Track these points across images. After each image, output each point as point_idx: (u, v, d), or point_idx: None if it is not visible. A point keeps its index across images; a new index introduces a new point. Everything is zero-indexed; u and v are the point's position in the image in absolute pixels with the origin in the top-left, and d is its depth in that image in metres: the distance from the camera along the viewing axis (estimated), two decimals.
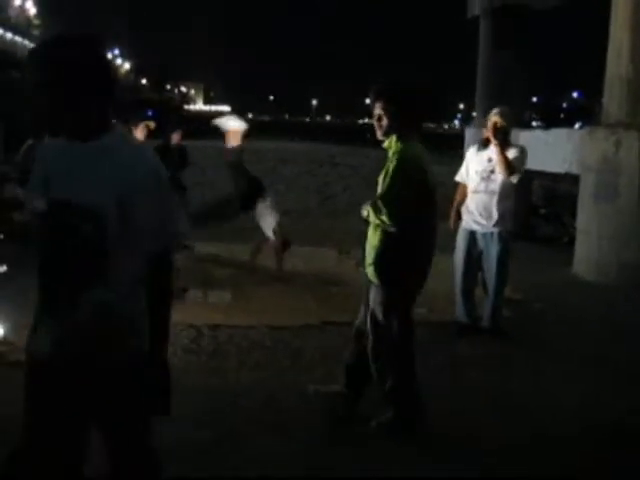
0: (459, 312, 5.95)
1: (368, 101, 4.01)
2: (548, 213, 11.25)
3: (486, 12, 13.15)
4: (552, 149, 10.45)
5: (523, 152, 5.78)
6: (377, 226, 3.84)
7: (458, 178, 6.06)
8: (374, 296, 3.93)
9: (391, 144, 3.84)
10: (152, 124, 7.31)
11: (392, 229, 3.74)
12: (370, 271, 3.89)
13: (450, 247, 6.04)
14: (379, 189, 3.87)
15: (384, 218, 3.75)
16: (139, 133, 7.20)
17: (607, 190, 8.22)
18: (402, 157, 3.77)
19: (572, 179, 9.77)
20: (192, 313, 6.17)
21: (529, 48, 13.63)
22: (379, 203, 3.76)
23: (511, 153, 5.70)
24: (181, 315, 6.06)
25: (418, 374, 4.12)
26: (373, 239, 3.87)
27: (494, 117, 5.76)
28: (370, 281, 3.95)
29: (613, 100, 8.52)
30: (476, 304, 5.97)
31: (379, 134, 3.90)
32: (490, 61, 13.02)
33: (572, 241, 9.11)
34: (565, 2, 12.33)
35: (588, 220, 8.56)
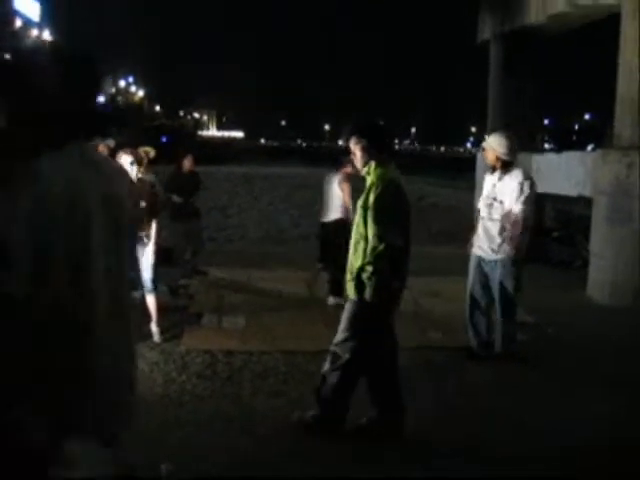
0: (470, 336, 5.94)
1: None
2: (561, 236, 11.22)
3: (496, 37, 13.26)
4: (565, 172, 10.46)
5: (524, 183, 5.63)
6: (358, 245, 4.14)
7: (479, 204, 6.07)
8: (350, 308, 4.20)
9: (370, 171, 4.22)
10: (152, 152, 7.21)
11: (381, 246, 3.99)
12: (350, 287, 4.17)
13: (466, 272, 6.06)
14: (359, 212, 4.17)
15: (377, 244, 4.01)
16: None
17: (620, 213, 8.21)
18: (384, 179, 4.13)
19: (585, 202, 9.76)
20: (207, 339, 6.21)
21: (540, 71, 13.70)
22: (374, 227, 4.04)
23: (513, 183, 5.65)
24: (196, 341, 6.11)
25: (430, 395, 4.15)
26: (354, 258, 4.16)
27: (486, 147, 5.81)
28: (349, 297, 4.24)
29: (625, 123, 8.53)
30: (488, 328, 5.92)
31: (358, 166, 4.33)
32: (501, 85, 13.09)
33: (586, 264, 9.08)
34: (575, 28, 12.39)
35: (602, 243, 8.53)
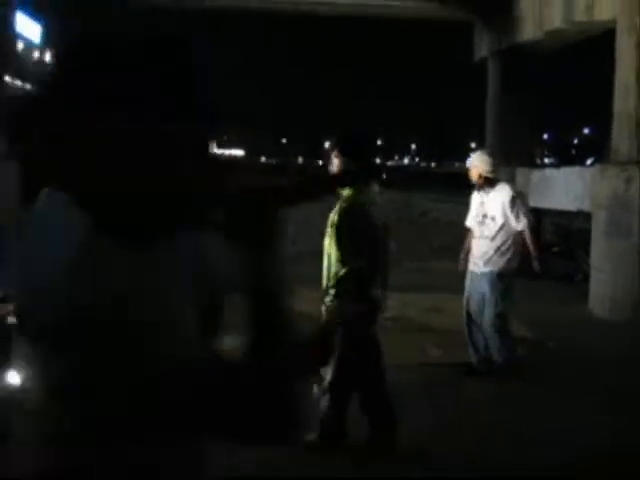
0: (470, 352, 5.95)
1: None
2: (561, 250, 11.24)
3: (493, 54, 13.38)
4: (563, 187, 10.52)
5: (517, 201, 5.72)
6: (324, 263, 4.19)
7: (467, 223, 6.09)
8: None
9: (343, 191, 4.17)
10: None
11: (343, 271, 4.04)
12: (322, 307, 4.21)
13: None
14: (328, 230, 4.18)
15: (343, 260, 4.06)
16: None
17: (619, 227, 8.24)
18: (349, 204, 4.11)
19: (585, 216, 9.80)
20: None
21: (538, 87, 13.80)
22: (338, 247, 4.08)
23: (500, 197, 5.71)
24: None
25: (429, 411, 4.19)
26: (324, 276, 4.21)
27: (470, 166, 5.87)
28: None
29: (622, 138, 8.58)
30: (486, 343, 5.91)
31: None
32: (498, 101, 13.20)
33: (587, 278, 9.09)
34: (572, 43, 12.50)
35: (601, 257, 8.55)
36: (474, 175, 5.84)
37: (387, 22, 17.83)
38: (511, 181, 9.89)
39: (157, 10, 13.43)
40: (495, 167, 5.84)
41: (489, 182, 5.79)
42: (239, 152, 77.36)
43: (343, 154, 4.19)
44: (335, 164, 4.25)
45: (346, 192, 4.15)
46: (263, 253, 1.16)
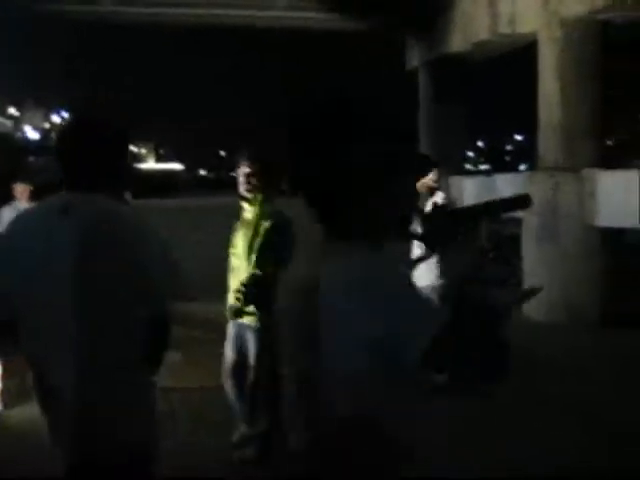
0: None
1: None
2: (496, 256, 11.46)
3: (424, 64, 13.61)
4: (496, 194, 10.74)
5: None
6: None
7: None
8: (251, 338, 4.42)
9: (256, 203, 4.20)
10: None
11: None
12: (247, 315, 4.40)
13: None
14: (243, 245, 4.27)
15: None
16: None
17: (549, 232, 8.47)
18: (275, 219, 4.18)
19: (516, 222, 10.03)
20: None
21: (468, 96, 14.09)
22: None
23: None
24: None
25: None
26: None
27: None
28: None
29: (548, 144, 8.85)
30: None
31: (245, 189, 4.23)
32: (431, 111, 13.42)
33: (520, 283, 9.29)
34: (501, 55, 12.83)
35: (534, 262, 8.78)
36: (419, 183, 5.97)
37: (324, 36, 17.84)
38: (445, 189, 10.13)
39: None
40: (439, 177, 6.08)
41: (431, 191, 5.97)
42: (178, 166, 76.35)
43: (259, 165, 4.26)
44: (250, 175, 4.23)
45: (259, 207, 4.24)
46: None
